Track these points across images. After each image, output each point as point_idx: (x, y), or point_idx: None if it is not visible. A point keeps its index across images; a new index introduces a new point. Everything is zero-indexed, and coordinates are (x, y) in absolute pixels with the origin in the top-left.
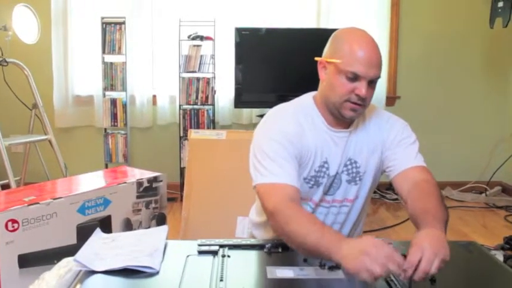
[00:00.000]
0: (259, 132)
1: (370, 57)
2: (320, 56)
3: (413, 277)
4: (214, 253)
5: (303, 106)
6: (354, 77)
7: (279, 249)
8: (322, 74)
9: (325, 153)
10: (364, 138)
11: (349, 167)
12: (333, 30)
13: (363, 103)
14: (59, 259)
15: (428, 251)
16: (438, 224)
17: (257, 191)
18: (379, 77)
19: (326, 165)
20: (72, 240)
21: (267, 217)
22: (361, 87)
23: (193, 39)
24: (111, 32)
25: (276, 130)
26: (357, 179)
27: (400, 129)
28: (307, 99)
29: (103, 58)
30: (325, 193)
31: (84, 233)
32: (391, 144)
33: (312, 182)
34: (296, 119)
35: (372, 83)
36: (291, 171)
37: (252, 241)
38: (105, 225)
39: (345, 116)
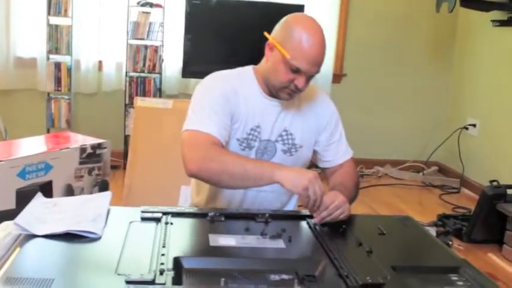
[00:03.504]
0: (199, 89)
1: (316, 56)
2: (269, 30)
3: (318, 216)
4: (157, 220)
5: (240, 74)
6: (296, 70)
7: (222, 218)
8: (268, 54)
9: (257, 118)
10: (300, 113)
11: (285, 137)
12: (284, 5)
13: (298, 92)
14: None
15: (340, 199)
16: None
17: (184, 136)
18: (318, 73)
19: (258, 130)
20: (11, 204)
21: (192, 161)
22: (301, 80)
23: (142, 5)
24: None
25: (212, 88)
26: (293, 150)
27: (334, 111)
28: (246, 68)
29: (48, 20)
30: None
31: (24, 197)
32: (326, 129)
33: (244, 144)
34: (232, 82)
35: (310, 77)
36: (219, 124)
37: (195, 209)
38: (46, 190)
39: (280, 98)
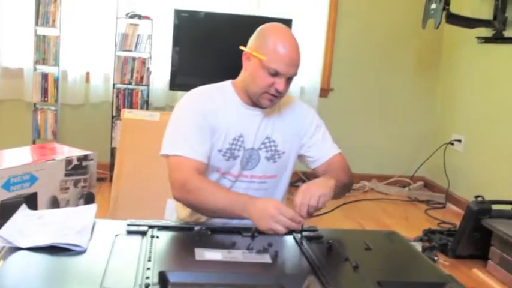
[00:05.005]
0: (178, 107)
1: (292, 57)
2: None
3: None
4: (143, 233)
5: (219, 87)
6: (275, 73)
7: (208, 232)
8: (246, 64)
9: (239, 128)
10: (281, 121)
11: (268, 144)
12: (271, 19)
13: (279, 95)
14: None
15: (305, 191)
16: (330, 178)
17: (169, 161)
18: (296, 74)
19: (241, 139)
20: None
21: (174, 188)
22: (280, 83)
23: (131, 17)
24: (46, 4)
25: (192, 106)
26: (276, 156)
27: (314, 115)
28: (225, 82)
29: (35, 30)
30: (243, 168)
31: (8, 209)
32: (307, 132)
33: (227, 155)
34: (212, 97)
35: (289, 79)
36: (202, 146)
37: (181, 223)
38: (31, 202)
39: (262, 105)
